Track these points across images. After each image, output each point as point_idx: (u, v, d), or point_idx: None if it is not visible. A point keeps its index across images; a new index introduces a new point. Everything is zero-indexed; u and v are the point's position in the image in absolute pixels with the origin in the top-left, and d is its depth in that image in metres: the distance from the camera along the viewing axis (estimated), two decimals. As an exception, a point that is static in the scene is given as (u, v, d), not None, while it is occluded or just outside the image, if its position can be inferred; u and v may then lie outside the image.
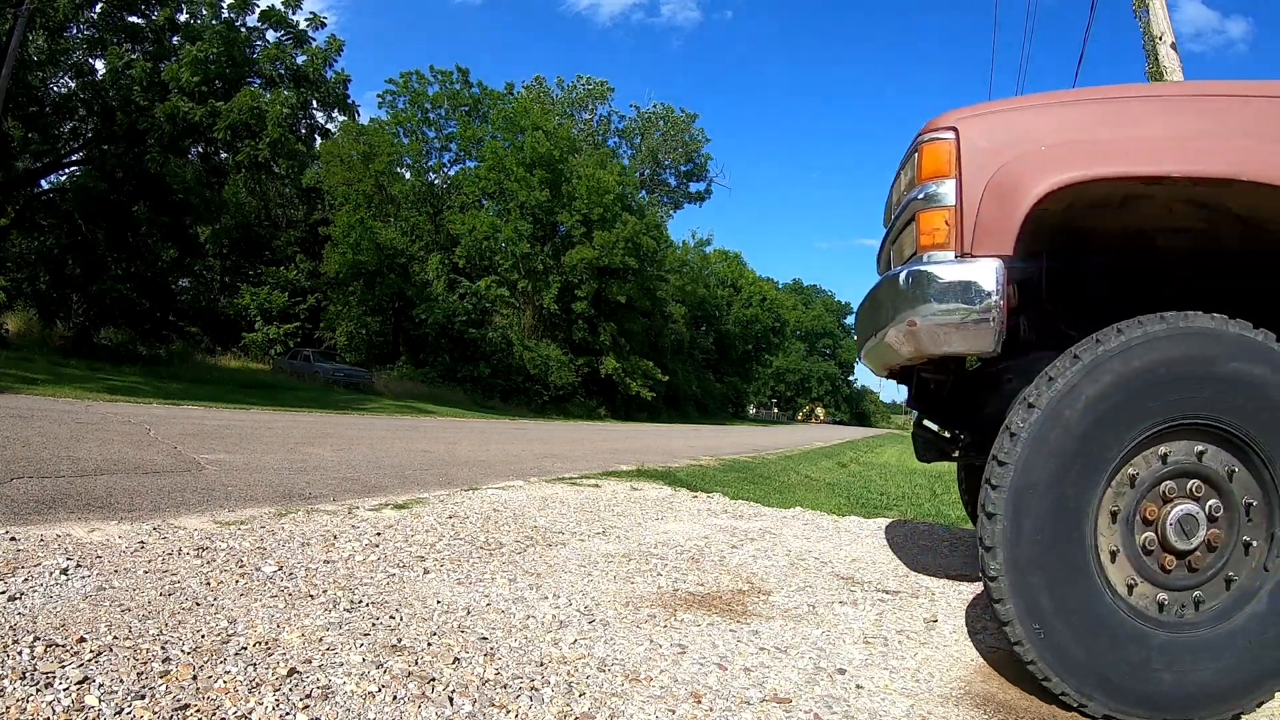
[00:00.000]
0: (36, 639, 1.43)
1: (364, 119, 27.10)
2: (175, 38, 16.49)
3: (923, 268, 1.80)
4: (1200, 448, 1.65)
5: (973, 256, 1.76)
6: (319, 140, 20.40)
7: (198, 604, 1.76)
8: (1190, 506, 1.63)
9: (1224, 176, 1.68)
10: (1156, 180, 1.73)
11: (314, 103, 17.68)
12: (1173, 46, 5.48)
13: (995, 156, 1.80)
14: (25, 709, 1.18)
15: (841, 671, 1.71)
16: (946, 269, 1.78)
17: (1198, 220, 1.91)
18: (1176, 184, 1.75)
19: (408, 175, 29.52)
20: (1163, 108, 1.87)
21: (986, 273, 1.73)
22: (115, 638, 1.49)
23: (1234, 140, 1.73)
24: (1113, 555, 1.64)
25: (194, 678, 1.35)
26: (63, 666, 1.33)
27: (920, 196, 1.86)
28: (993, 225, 1.76)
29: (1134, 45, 6.00)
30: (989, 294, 1.72)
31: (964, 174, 1.81)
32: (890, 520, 4.46)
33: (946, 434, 2.71)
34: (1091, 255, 2.11)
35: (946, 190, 1.82)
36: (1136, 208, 1.92)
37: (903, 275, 1.83)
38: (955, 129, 1.86)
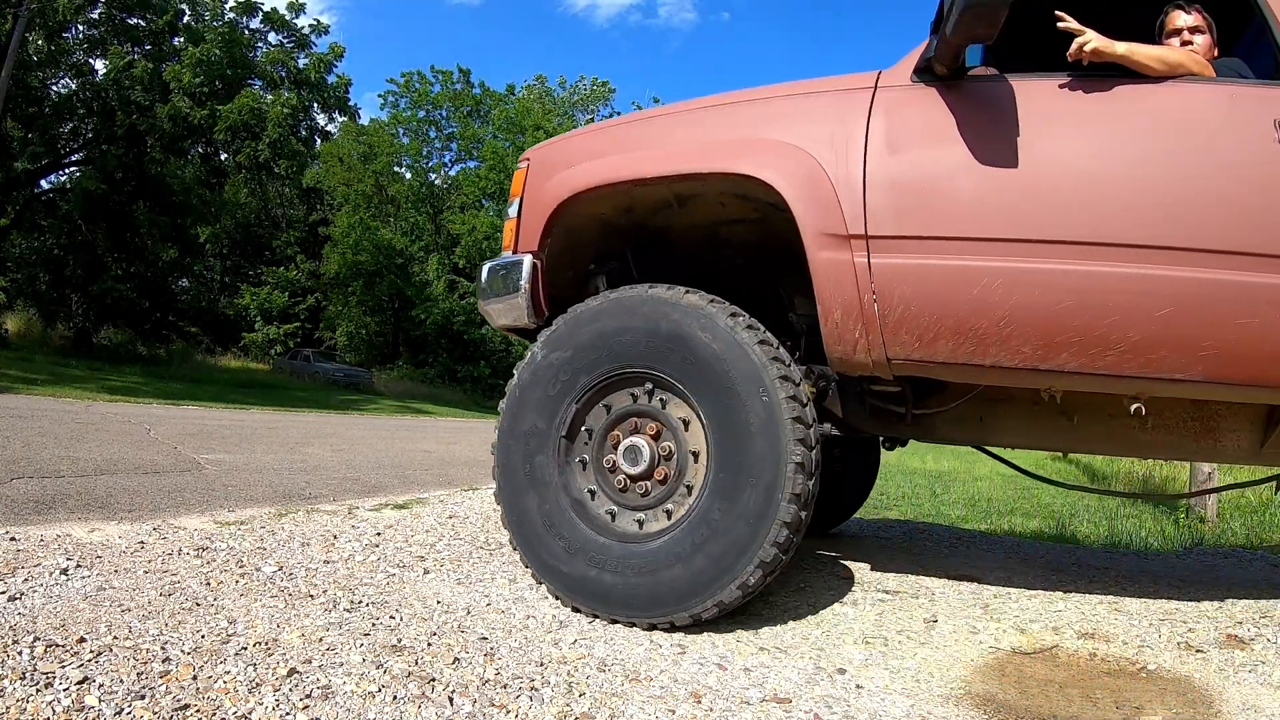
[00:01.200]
0: (36, 639, 1.43)
1: (364, 119, 27.10)
2: (177, 39, 16.48)
3: (488, 264, 2.38)
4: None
5: (515, 254, 2.29)
6: (319, 142, 20.38)
7: (198, 604, 1.76)
8: (638, 440, 1.97)
9: (695, 172, 2.04)
10: (643, 182, 2.11)
11: (315, 105, 17.67)
12: (1173, 46, 5.49)
13: (544, 177, 2.28)
14: (25, 709, 1.18)
15: (841, 671, 1.71)
16: (496, 264, 2.34)
17: (749, 212, 2.11)
18: (664, 183, 2.11)
19: (408, 175, 29.50)
20: (654, 124, 2.28)
21: (518, 266, 2.24)
22: (115, 638, 1.49)
23: (704, 141, 2.10)
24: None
25: (194, 678, 1.35)
26: (63, 666, 1.33)
27: (509, 211, 2.38)
28: (529, 230, 2.26)
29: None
30: (519, 282, 2.23)
31: (526, 193, 2.31)
32: (890, 520, 4.47)
33: None
34: (673, 247, 2.47)
35: (515, 206, 2.34)
36: (695, 206, 2.21)
37: (483, 270, 2.40)
38: (529, 159, 2.38)
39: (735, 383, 1.84)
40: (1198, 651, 1.97)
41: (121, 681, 1.30)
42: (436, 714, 1.32)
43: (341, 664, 1.49)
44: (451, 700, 1.38)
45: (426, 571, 2.29)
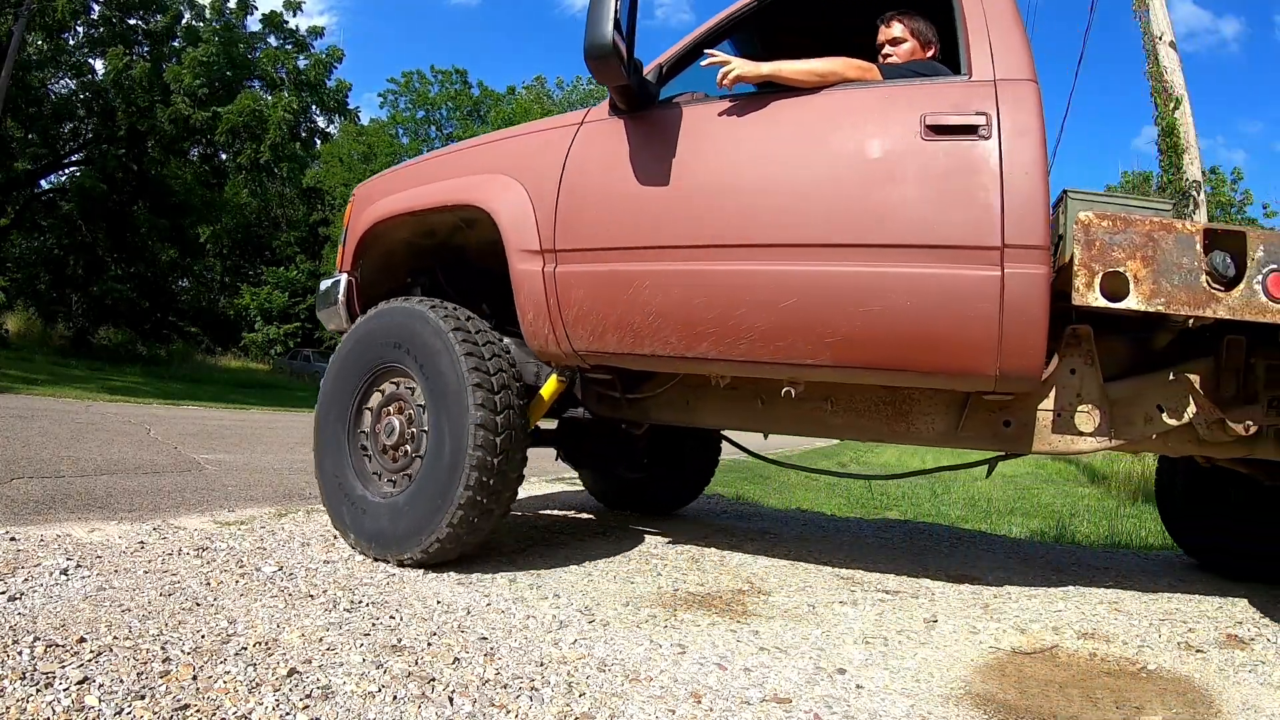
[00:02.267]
0: (36, 639, 1.43)
1: (364, 119, 27.09)
2: (176, 40, 16.44)
3: (322, 281, 2.92)
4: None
5: (339, 274, 2.79)
6: (319, 143, 20.35)
7: (198, 604, 1.76)
8: (395, 418, 2.39)
9: (444, 204, 2.48)
10: (417, 213, 2.56)
11: (314, 107, 17.62)
12: (1172, 45, 5.48)
13: (360, 210, 2.75)
14: (25, 709, 1.18)
15: (841, 671, 1.71)
16: (326, 282, 2.86)
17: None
18: (442, 212, 2.52)
19: (407, 175, 29.39)
20: (438, 161, 2.77)
21: (338, 283, 2.75)
22: (115, 638, 1.49)
23: (460, 177, 2.50)
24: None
25: (194, 678, 1.35)
26: (63, 666, 1.33)
27: (341, 238, 2.84)
28: (347, 254, 2.76)
29: (1134, 45, 6.00)
30: (338, 296, 2.73)
31: (350, 223, 2.78)
32: (890, 520, 4.47)
33: None
34: (473, 262, 2.81)
35: (344, 234, 2.82)
36: (479, 228, 2.52)
37: (320, 285, 2.92)
38: (355, 195, 2.86)
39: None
40: (1198, 651, 1.97)
41: (121, 681, 1.30)
42: (436, 714, 1.32)
43: (341, 664, 1.49)
44: (451, 700, 1.38)
45: (426, 571, 2.29)
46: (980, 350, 1.79)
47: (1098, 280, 1.74)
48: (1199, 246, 1.70)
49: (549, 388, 2.43)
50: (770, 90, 2.08)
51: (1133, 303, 1.74)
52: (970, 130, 1.83)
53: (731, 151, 2.07)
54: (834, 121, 2.00)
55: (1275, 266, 1.67)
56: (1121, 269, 1.73)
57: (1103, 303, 1.75)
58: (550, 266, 2.20)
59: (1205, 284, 1.69)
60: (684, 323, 2.04)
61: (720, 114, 2.09)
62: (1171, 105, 5.37)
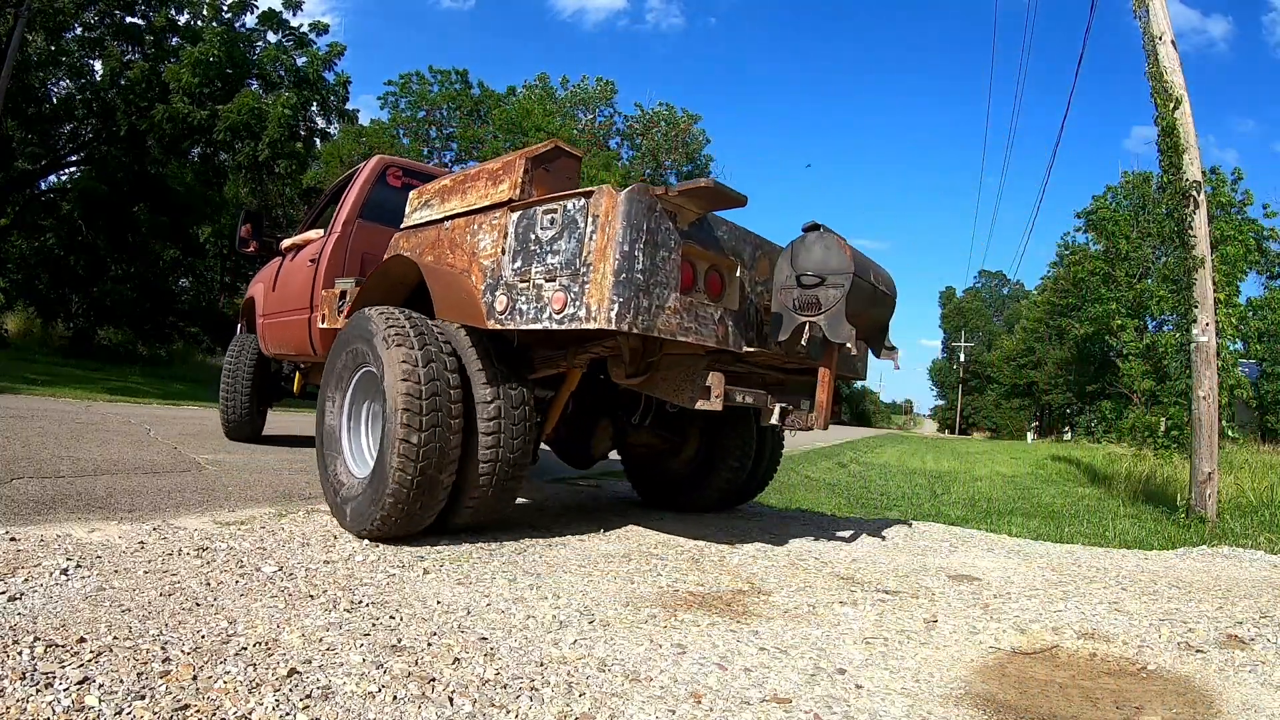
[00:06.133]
0: (36, 639, 1.43)
1: (363, 120, 27.07)
2: (175, 39, 16.43)
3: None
4: None
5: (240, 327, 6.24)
6: (319, 143, 20.30)
7: (198, 604, 1.76)
8: None
9: (248, 297, 5.97)
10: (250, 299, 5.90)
11: (315, 105, 17.59)
12: (1173, 44, 5.48)
13: (247, 293, 6.08)
14: (25, 709, 1.18)
15: (841, 671, 1.71)
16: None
17: None
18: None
19: (407, 175, 29.31)
20: (261, 271, 5.89)
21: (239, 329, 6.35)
22: (115, 638, 1.49)
23: (256, 284, 5.92)
24: None
25: (194, 678, 1.35)
26: (63, 667, 1.33)
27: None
28: (243, 317, 6.24)
29: (1132, 45, 6.01)
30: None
31: (245, 298, 6.25)
32: (890, 520, 4.47)
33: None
34: None
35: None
36: None
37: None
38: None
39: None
40: (1198, 651, 1.97)
41: (121, 681, 1.30)
42: (436, 714, 1.32)
43: (341, 664, 1.49)
44: (451, 700, 1.38)
45: (426, 571, 2.29)
46: (310, 347, 4.20)
47: (326, 316, 3.73)
48: (337, 299, 3.63)
49: (298, 376, 5.24)
50: (303, 244, 4.64)
51: (324, 325, 3.75)
52: (315, 261, 4.20)
53: (284, 274, 4.80)
54: (300, 259, 4.52)
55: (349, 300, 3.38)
56: (327, 311, 3.72)
57: (326, 326, 3.73)
58: (265, 320, 4.99)
59: (339, 313, 3.50)
60: (282, 341, 4.67)
61: (289, 258, 4.80)
62: (1171, 105, 5.36)
